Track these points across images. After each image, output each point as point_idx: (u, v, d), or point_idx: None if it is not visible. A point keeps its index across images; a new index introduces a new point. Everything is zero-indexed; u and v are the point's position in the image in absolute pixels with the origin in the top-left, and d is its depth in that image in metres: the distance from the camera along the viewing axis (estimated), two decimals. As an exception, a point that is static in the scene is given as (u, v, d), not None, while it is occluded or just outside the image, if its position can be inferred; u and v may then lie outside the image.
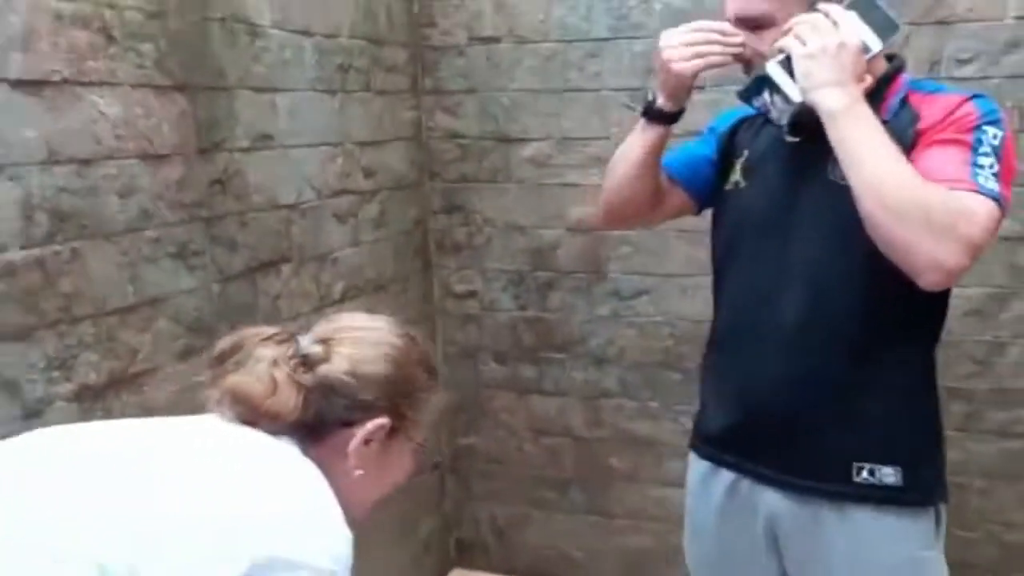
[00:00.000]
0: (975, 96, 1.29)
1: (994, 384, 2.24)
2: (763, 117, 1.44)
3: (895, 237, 1.18)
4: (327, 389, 1.01)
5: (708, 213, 1.59)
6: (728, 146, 1.54)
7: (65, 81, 1.41)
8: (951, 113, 1.27)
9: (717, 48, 1.36)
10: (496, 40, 2.46)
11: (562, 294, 2.60)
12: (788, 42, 1.27)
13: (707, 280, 2.36)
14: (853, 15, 1.26)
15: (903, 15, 1.80)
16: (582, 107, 2.44)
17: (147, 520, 0.82)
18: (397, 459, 1.09)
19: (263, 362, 1.00)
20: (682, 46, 1.36)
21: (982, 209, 1.19)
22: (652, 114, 1.46)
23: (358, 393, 1.02)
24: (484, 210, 2.60)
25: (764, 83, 1.32)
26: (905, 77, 1.38)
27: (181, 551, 0.81)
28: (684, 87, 1.41)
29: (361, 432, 1.02)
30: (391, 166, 2.43)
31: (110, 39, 1.49)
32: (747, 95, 1.38)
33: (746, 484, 1.48)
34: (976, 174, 1.21)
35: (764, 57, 1.32)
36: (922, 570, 1.39)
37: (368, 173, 2.30)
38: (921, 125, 1.29)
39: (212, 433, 0.98)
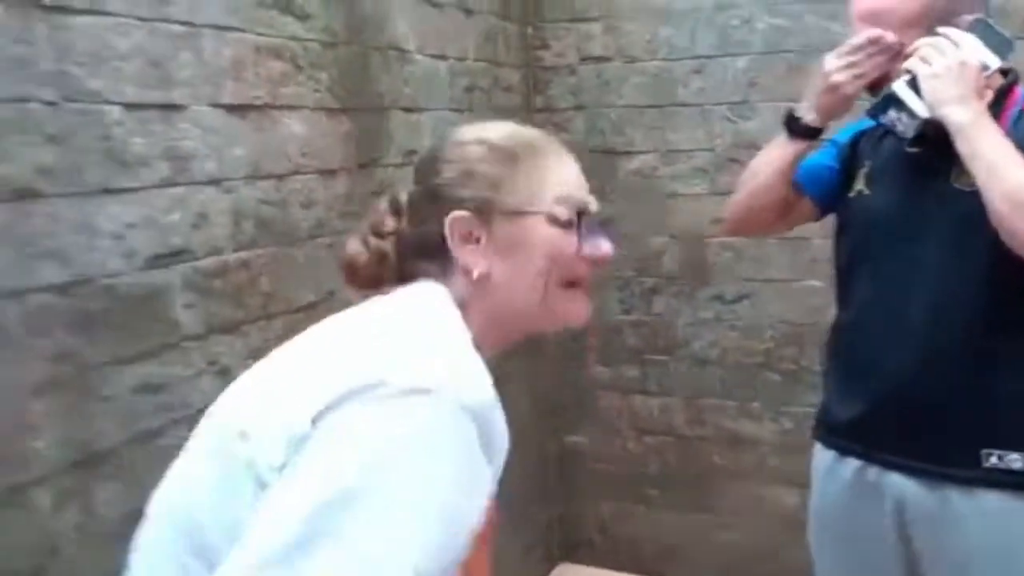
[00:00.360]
0: None
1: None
2: (881, 130, 1.55)
3: (1012, 223, 1.30)
4: (420, 200, 0.96)
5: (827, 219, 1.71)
6: (850, 156, 1.65)
7: (265, 105, 1.61)
8: None
9: (877, 61, 1.47)
10: (606, 59, 2.62)
11: (666, 299, 2.74)
12: (914, 63, 1.39)
13: (805, 284, 2.52)
14: (972, 36, 1.38)
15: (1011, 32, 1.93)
16: (686, 121, 2.59)
17: (266, 382, 0.86)
18: (530, 234, 0.93)
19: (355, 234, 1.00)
20: (847, 69, 1.48)
21: None
22: (798, 130, 1.58)
23: (421, 201, 0.96)
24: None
25: (891, 101, 1.43)
26: (1020, 89, 1.49)
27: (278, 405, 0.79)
28: (845, 106, 1.53)
29: (449, 219, 0.91)
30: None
31: (298, 68, 1.69)
32: (875, 112, 1.48)
33: (873, 471, 1.56)
34: None
35: (890, 79, 1.45)
36: None
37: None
38: None
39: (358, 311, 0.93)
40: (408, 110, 2.06)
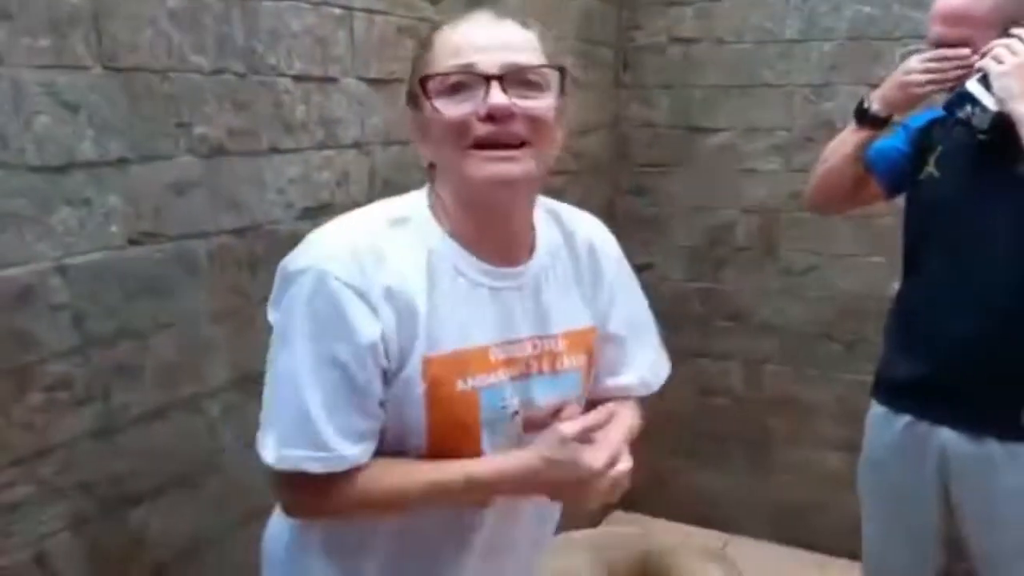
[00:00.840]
0: None
1: None
2: (953, 120, 1.71)
3: None
4: None
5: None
6: (923, 141, 1.80)
7: (399, 80, 1.82)
8: None
9: (954, 73, 1.62)
10: (696, 41, 2.77)
11: (734, 268, 2.91)
12: (987, 63, 1.54)
13: (870, 259, 2.65)
14: None
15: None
16: (769, 101, 2.73)
17: None
18: (427, 117, 0.97)
19: None
20: (922, 73, 1.66)
21: None
22: (868, 119, 1.75)
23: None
24: (668, 190, 2.93)
25: (965, 98, 1.58)
26: None
27: None
28: (912, 104, 1.71)
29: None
30: (593, 151, 2.79)
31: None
32: (951, 107, 1.64)
33: (923, 425, 1.76)
34: None
35: (965, 77, 1.60)
36: None
37: (577, 156, 2.66)
38: None
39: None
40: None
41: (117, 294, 1.29)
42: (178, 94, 1.34)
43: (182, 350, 1.41)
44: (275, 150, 1.54)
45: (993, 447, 1.67)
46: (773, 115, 2.74)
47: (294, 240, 1.56)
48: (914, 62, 1.68)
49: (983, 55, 1.56)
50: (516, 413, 1.03)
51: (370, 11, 1.72)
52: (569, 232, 1.12)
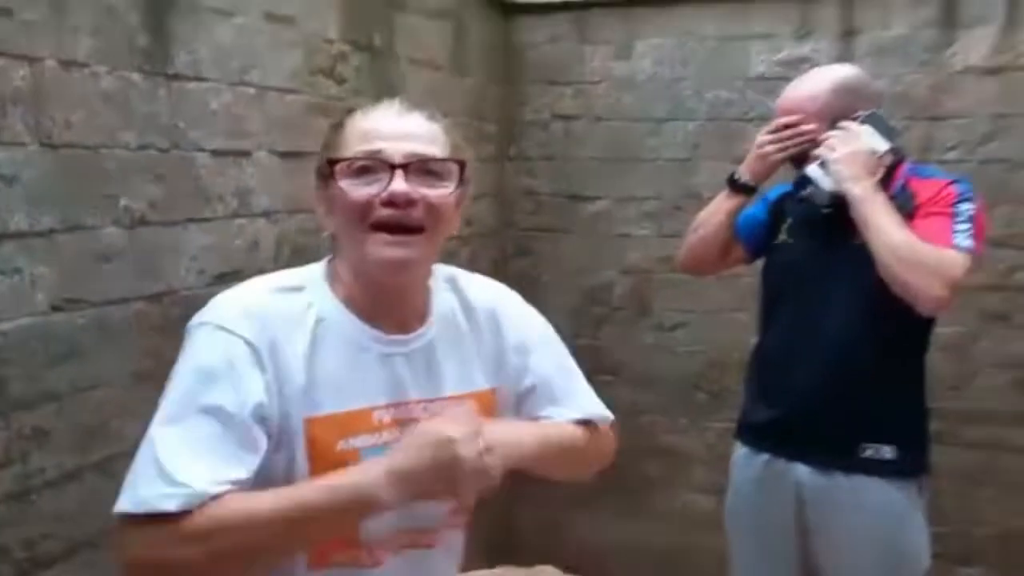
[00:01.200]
0: (956, 180, 1.86)
1: (964, 406, 2.79)
2: (799, 197, 1.98)
3: (902, 279, 1.72)
4: None
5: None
6: (777, 211, 2.07)
7: (306, 153, 1.94)
8: (939, 193, 1.82)
9: (795, 140, 1.90)
10: (577, 118, 3.03)
11: (612, 326, 3.13)
12: (823, 151, 1.82)
13: (734, 315, 2.94)
14: (867, 127, 1.82)
15: (904, 115, 2.40)
16: (640, 173, 3.00)
17: None
18: (334, 195, 1.03)
19: None
20: (771, 144, 1.93)
21: (959, 259, 1.74)
22: (738, 187, 2.02)
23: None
24: (549, 255, 3.14)
25: (807, 180, 1.86)
26: (906, 165, 1.93)
27: None
28: (771, 171, 1.98)
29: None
30: (481, 217, 2.97)
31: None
32: (797, 187, 1.92)
33: (781, 462, 1.99)
34: (956, 236, 1.76)
35: (808, 157, 1.88)
36: (908, 523, 1.91)
37: (467, 223, 2.83)
38: (918, 201, 1.84)
39: None
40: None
41: (40, 358, 1.34)
42: (106, 169, 1.43)
43: (98, 413, 1.46)
44: (191, 220, 1.63)
45: (839, 479, 1.91)
46: (645, 186, 3.01)
47: (206, 304, 1.66)
48: (762, 136, 1.95)
49: (817, 145, 1.84)
50: None
51: (281, 90, 1.85)
52: (466, 299, 1.16)
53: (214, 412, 0.93)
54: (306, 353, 1.00)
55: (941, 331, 2.68)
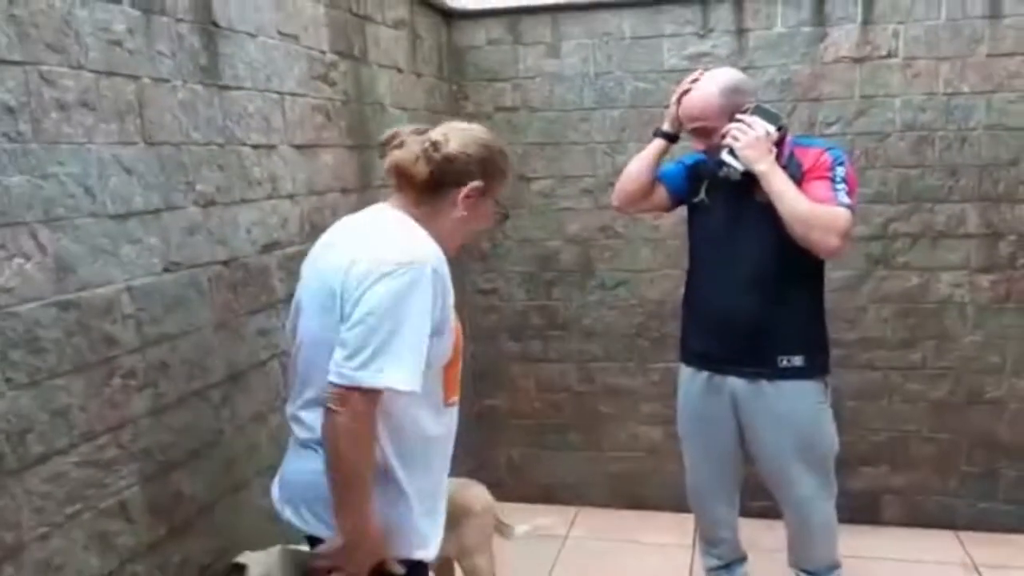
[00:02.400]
0: (829, 148, 2.38)
1: (859, 335, 3.36)
2: (714, 173, 2.43)
3: (803, 233, 2.23)
4: (447, 161, 1.62)
5: (677, 222, 2.63)
6: (694, 174, 2.57)
7: (315, 145, 2.36)
8: (818, 160, 2.35)
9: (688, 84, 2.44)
10: (516, 109, 3.49)
11: (562, 287, 3.61)
12: (729, 141, 2.31)
13: (666, 272, 3.45)
14: (756, 117, 2.31)
15: (790, 98, 2.93)
16: (576, 155, 3.49)
17: (341, 257, 1.58)
18: (483, 210, 1.69)
19: (412, 144, 1.64)
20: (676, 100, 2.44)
21: (844, 214, 2.26)
22: (660, 134, 2.51)
23: (466, 165, 1.63)
24: (505, 229, 3.59)
25: (722, 163, 2.34)
26: (789, 138, 2.45)
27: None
28: (681, 120, 2.46)
29: (467, 188, 1.64)
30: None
31: (329, 119, 2.45)
32: (717, 167, 2.39)
33: (717, 377, 2.51)
34: (837, 195, 2.28)
35: (718, 148, 2.35)
36: (820, 414, 2.45)
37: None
38: (805, 167, 2.36)
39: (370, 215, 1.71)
40: (389, 147, 2.84)
41: (159, 308, 1.73)
42: (185, 161, 1.82)
43: (196, 351, 1.86)
44: (243, 201, 2.03)
45: (765, 385, 2.43)
46: (581, 166, 3.49)
47: (260, 269, 2.07)
48: (682, 86, 2.46)
49: (723, 136, 2.32)
50: None
51: (293, 94, 2.25)
52: None
53: (424, 323, 1.52)
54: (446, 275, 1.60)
55: (836, 274, 3.29)
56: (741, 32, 3.25)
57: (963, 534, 3.34)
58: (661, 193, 2.60)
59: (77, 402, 1.52)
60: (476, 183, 1.64)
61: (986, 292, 3.24)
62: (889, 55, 3.15)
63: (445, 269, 1.59)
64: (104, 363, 1.58)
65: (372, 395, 1.48)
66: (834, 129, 3.24)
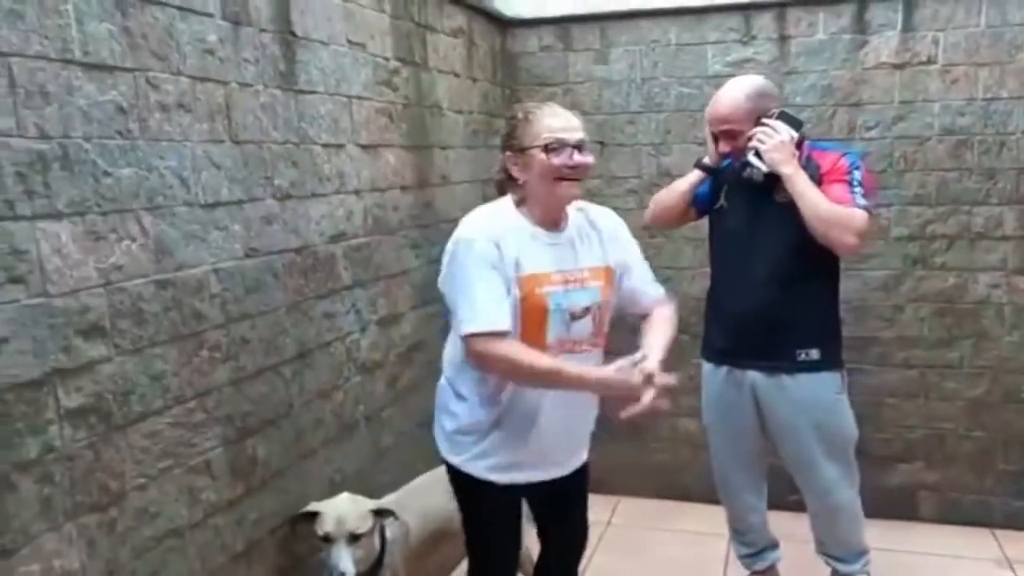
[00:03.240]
0: (846, 153, 2.49)
1: (896, 334, 3.45)
2: (738, 175, 2.55)
3: (823, 232, 2.35)
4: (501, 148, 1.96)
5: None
6: (716, 183, 2.69)
7: (377, 145, 2.54)
8: (835, 164, 2.45)
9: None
10: (566, 113, 3.64)
11: (606, 285, 3.74)
12: (755, 143, 2.44)
13: (704, 271, 3.54)
14: (780, 122, 2.43)
15: (831, 103, 3.04)
16: (623, 157, 3.63)
17: None
18: (536, 165, 1.84)
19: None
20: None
21: (861, 215, 2.37)
22: (702, 167, 2.64)
23: (503, 142, 1.94)
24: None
25: (747, 164, 2.47)
26: (807, 142, 2.55)
27: None
28: (720, 161, 2.59)
29: (504, 156, 1.93)
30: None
31: (392, 121, 2.63)
32: (740, 168, 2.52)
33: (737, 372, 2.64)
34: (855, 197, 2.39)
35: (743, 151, 2.47)
36: (837, 404, 2.57)
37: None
38: (822, 170, 2.47)
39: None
40: (443, 148, 3.02)
41: (240, 289, 1.93)
42: (265, 158, 2.01)
43: (271, 330, 2.05)
44: (314, 195, 2.22)
45: (784, 378, 2.55)
46: (627, 167, 3.63)
47: (328, 258, 2.26)
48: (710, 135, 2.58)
49: (749, 139, 2.45)
50: (565, 307, 1.89)
51: (360, 98, 2.44)
52: (589, 215, 2.03)
53: (466, 279, 1.82)
54: (516, 243, 1.84)
55: (874, 274, 3.38)
56: (783, 39, 3.36)
57: (999, 532, 3.40)
58: (691, 212, 2.74)
59: (171, 369, 1.72)
60: (508, 152, 1.91)
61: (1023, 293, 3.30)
62: (929, 61, 3.24)
63: (498, 241, 1.83)
64: (194, 336, 1.78)
65: (467, 340, 1.82)
66: (873, 133, 3.33)
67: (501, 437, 1.95)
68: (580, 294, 1.91)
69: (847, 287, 3.42)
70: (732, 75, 3.29)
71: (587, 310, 1.93)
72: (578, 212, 1.99)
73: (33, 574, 1.42)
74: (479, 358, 1.83)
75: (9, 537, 1.38)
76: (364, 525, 2.04)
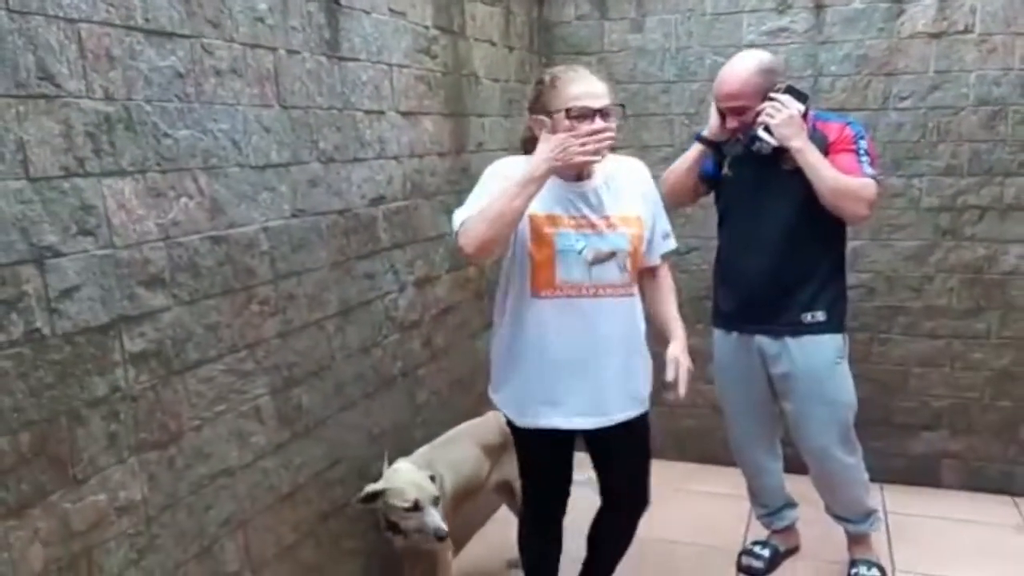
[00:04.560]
0: (849, 123, 2.53)
1: (924, 303, 3.48)
2: (747, 148, 2.58)
3: (834, 203, 2.42)
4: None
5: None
6: (718, 155, 2.73)
7: (415, 112, 2.62)
8: (841, 134, 2.50)
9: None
10: (601, 82, 3.69)
11: (637, 252, 3.81)
12: (765, 118, 2.47)
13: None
14: (788, 96, 2.47)
15: (865, 72, 3.06)
16: (656, 126, 3.68)
17: None
18: (557, 124, 1.94)
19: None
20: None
21: (871, 184, 2.44)
22: (703, 141, 2.69)
23: (530, 118, 2.05)
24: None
25: (756, 138, 2.51)
26: (812, 113, 2.58)
27: None
28: (719, 135, 2.63)
29: (532, 127, 2.05)
30: (528, 164, 3.64)
31: (431, 89, 2.71)
32: (749, 142, 2.56)
33: (745, 336, 2.71)
34: (863, 167, 2.45)
35: (751, 125, 2.51)
36: (839, 368, 2.63)
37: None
38: (829, 140, 2.51)
39: None
40: (479, 115, 3.09)
41: (287, 247, 2.03)
42: (310, 123, 2.11)
43: (316, 287, 2.16)
44: (356, 159, 2.32)
45: (789, 340, 2.63)
46: (660, 136, 3.68)
47: (368, 220, 2.35)
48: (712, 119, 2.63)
49: (758, 114, 2.48)
50: (582, 251, 2.01)
51: (400, 66, 2.52)
52: (620, 166, 2.13)
53: (481, 192, 2.00)
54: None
55: (904, 244, 3.42)
56: (819, 8, 3.37)
57: (1020, 500, 3.44)
58: (701, 187, 2.80)
59: (224, 320, 1.83)
60: (534, 115, 2.03)
61: (1055, 266, 3.31)
62: (965, 30, 3.23)
63: (511, 171, 1.94)
64: (245, 290, 1.89)
65: (456, 236, 1.98)
66: (907, 103, 3.34)
67: (514, 364, 2.10)
68: (600, 240, 2.02)
69: (878, 258, 3.48)
70: (767, 45, 3.32)
71: (612, 255, 2.03)
72: (609, 163, 2.06)
73: (101, 502, 1.55)
74: (464, 241, 1.91)
75: (80, 468, 1.51)
76: (436, 488, 2.23)
